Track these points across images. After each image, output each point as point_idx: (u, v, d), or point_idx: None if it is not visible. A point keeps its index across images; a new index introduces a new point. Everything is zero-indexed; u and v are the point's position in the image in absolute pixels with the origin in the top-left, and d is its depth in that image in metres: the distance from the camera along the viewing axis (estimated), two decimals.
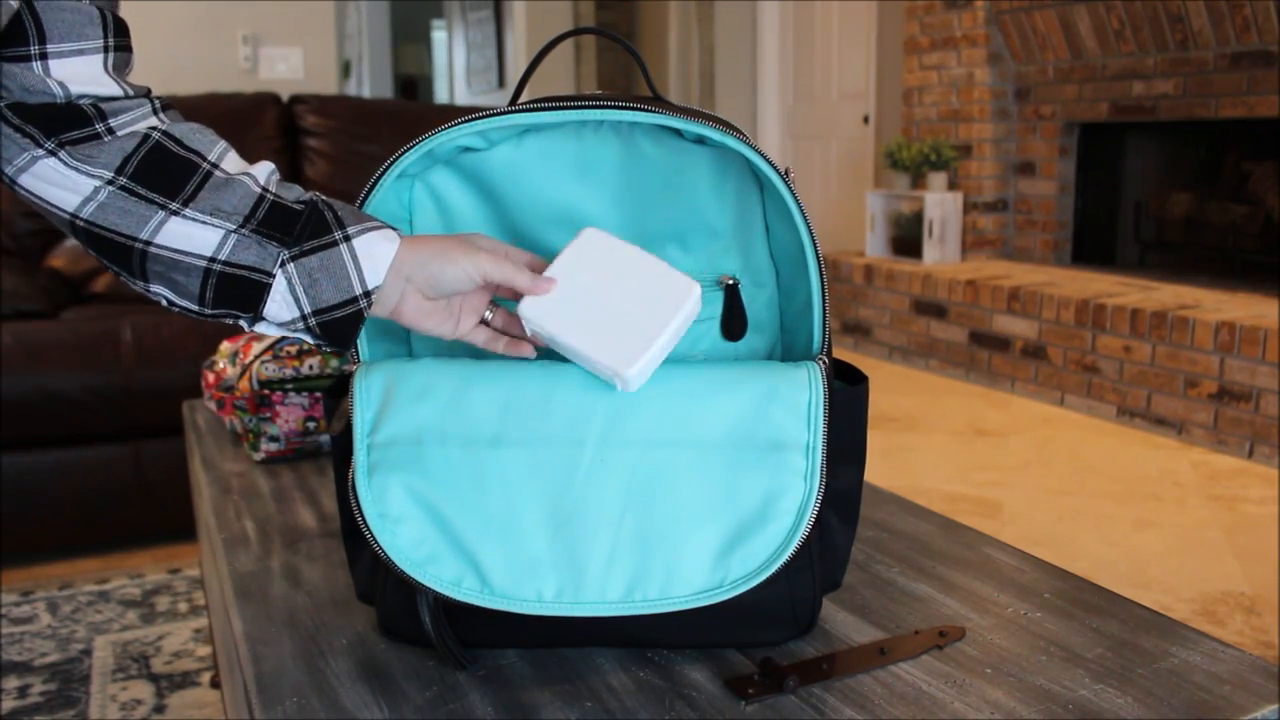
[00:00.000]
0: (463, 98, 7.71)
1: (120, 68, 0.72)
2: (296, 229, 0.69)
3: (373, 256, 0.70)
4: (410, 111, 3.08)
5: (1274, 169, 3.50)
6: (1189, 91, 3.51)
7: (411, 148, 0.74)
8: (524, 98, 2.64)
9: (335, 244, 0.69)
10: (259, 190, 0.70)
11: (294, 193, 0.71)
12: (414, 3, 9.27)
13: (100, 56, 0.70)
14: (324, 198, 0.72)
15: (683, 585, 0.68)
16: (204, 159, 0.71)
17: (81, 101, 0.68)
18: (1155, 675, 0.69)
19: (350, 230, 0.70)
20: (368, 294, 0.69)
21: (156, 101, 0.73)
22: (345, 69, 8.03)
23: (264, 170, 0.72)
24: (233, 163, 0.72)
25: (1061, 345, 3.46)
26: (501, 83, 6.86)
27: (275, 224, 0.69)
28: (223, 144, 0.73)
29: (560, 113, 0.72)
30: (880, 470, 2.80)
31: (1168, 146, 3.98)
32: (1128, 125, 3.95)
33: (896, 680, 0.69)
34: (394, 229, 0.72)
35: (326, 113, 2.94)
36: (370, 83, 7.86)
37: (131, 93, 0.72)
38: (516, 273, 0.72)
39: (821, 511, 0.76)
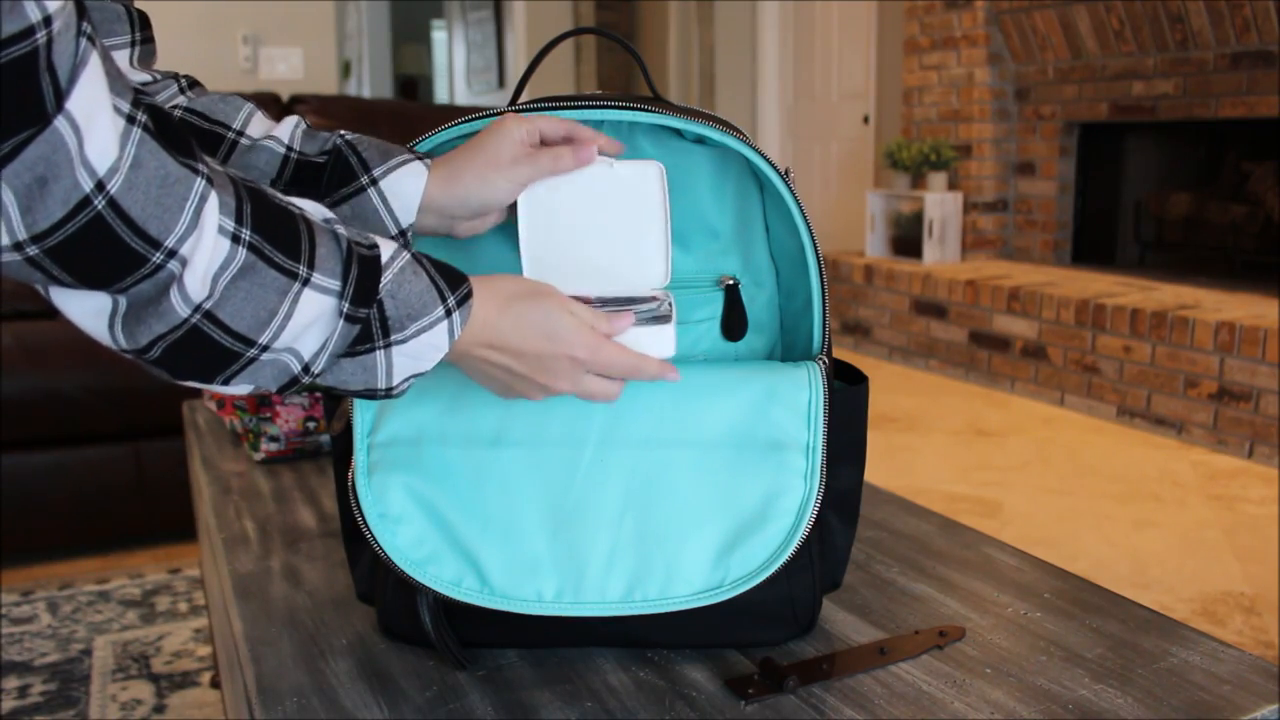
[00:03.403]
0: (463, 98, 7.70)
1: (146, 59, 0.74)
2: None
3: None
4: (410, 111, 3.08)
5: (1274, 169, 3.50)
6: (1189, 91, 3.51)
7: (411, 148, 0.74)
8: (524, 98, 2.63)
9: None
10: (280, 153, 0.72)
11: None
12: (414, 3, 9.27)
13: (127, 51, 0.72)
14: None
15: (683, 585, 0.68)
16: (229, 128, 0.72)
17: (149, 94, 0.69)
18: (1155, 675, 0.69)
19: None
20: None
21: (184, 80, 0.75)
22: (345, 69, 8.03)
23: (288, 129, 0.73)
24: (257, 127, 0.73)
25: (1061, 345, 3.46)
26: (501, 83, 6.86)
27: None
28: (248, 107, 0.74)
29: (560, 113, 0.72)
30: (880, 470, 2.80)
31: (1168, 146, 3.97)
32: (1128, 125, 3.94)
33: (896, 680, 0.69)
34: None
35: (326, 113, 2.94)
36: (370, 83, 7.86)
37: (159, 77, 0.74)
38: (555, 161, 0.71)
39: (821, 511, 0.76)
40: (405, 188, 0.70)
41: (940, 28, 4.32)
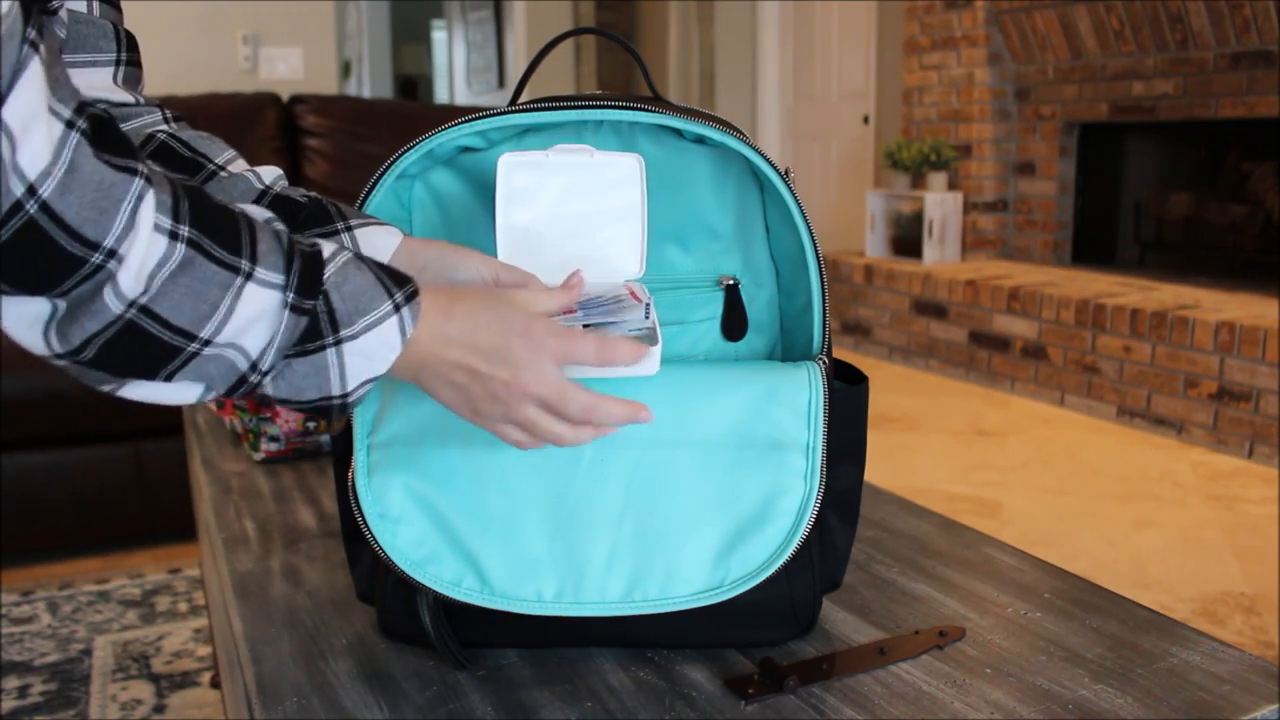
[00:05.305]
0: (463, 98, 7.70)
1: (131, 82, 0.74)
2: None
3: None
4: (410, 111, 3.08)
5: (1274, 169, 3.50)
6: (1189, 91, 3.51)
7: (411, 148, 0.74)
8: (524, 98, 2.64)
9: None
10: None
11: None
12: (414, 3, 9.27)
13: (111, 69, 0.72)
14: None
15: (683, 585, 0.68)
16: (210, 161, 0.72)
17: (95, 105, 0.70)
18: (1155, 675, 0.69)
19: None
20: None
21: (168, 112, 0.76)
22: (345, 69, 8.03)
23: (262, 207, 0.72)
24: (238, 166, 0.74)
25: (1061, 345, 3.46)
26: (501, 83, 6.86)
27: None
28: (231, 151, 0.75)
29: (560, 113, 0.72)
30: (880, 470, 2.80)
31: (1168, 146, 3.97)
32: (1128, 125, 3.94)
33: (896, 680, 0.69)
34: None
35: (326, 113, 2.94)
36: (370, 83, 7.86)
37: (143, 101, 0.74)
38: (529, 275, 0.71)
39: (821, 511, 0.76)
40: (378, 242, 0.70)
41: (940, 28, 4.32)
